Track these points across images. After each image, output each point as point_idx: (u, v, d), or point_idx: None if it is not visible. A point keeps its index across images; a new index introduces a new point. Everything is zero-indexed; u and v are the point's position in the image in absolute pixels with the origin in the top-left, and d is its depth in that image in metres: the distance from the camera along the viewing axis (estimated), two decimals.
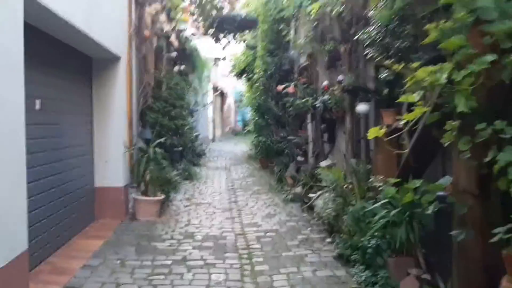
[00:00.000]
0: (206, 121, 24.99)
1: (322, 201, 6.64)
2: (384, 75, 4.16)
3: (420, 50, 3.61)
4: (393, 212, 4.02)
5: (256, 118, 18.66)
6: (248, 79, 19.39)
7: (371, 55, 4.60)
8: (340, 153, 7.54)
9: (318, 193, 7.24)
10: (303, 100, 9.12)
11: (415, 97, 2.58)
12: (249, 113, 34.62)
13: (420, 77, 2.57)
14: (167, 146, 9.61)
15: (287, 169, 11.02)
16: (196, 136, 15.95)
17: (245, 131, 35.01)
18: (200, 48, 20.23)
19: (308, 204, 7.48)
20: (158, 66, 9.49)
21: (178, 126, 9.26)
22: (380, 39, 3.99)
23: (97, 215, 7.23)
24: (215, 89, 29.82)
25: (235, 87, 35.33)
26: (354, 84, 6.05)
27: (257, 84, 13.80)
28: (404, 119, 2.63)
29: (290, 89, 9.42)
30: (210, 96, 26.64)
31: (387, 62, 3.50)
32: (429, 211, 3.62)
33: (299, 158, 9.53)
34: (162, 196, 7.67)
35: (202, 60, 19.77)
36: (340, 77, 6.19)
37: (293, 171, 10.51)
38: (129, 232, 6.67)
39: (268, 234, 6.63)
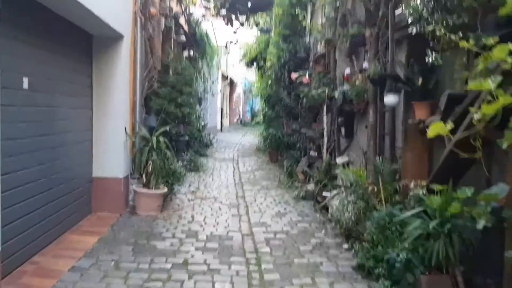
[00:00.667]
0: (214, 110, 24.40)
1: (339, 202, 6.04)
2: (431, 59, 3.50)
3: (483, 27, 2.97)
4: (433, 224, 3.40)
5: (266, 109, 18.10)
6: (259, 68, 18.71)
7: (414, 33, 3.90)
8: (359, 150, 6.92)
9: (334, 192, 6.64)
10: (319, 91, 8.48)
11: (490, 84, 1.95)
12: (258, 104, 34.11)
13: (497, 57, 1.95)
14: (173, 135, 9.04)
15: (298, 164, 10.42)
16: (204, 126, 15.37)
17: (254, 122, 34.48)
18: (211, 34, 19.65)
19: (322, 204, 6.89)
20: (165, 49, 8.89)
21: (185, 114, 8.67)
22: (428, 15, 3.35)
23: (94, 207, 6.68)
24: (225, 77, 29.17)
25: (245, 76, 34.76)
26: (381, 72, 5.41)
27: (269, 72, 13.12)
28: (481, 113, 1.99)
29: (305, 79, 8.79)
30: (219, 85, 26.02)
31: (444, 37, 2.86)
32: (480, 226, 3.00)
33: (312, 153, 8.92)
34: (165, 189, 7.10)
35: (212, 46, 19.16)
36: (364, 65, 5.55)
37: (304, 166, 9.90)
38: (127, 228, 6.11)
39: (278, 236, 6.04)
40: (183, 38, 11.49)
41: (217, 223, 6.60)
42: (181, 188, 8.61)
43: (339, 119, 7.61)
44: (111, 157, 6.69)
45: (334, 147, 8.21)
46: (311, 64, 9.96)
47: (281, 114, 14.63)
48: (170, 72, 8.50)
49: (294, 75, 9.28)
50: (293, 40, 10.76)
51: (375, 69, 5.43)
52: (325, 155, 8.45)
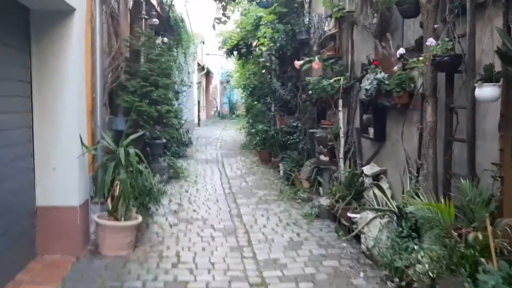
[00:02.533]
0: (191, 103, 22.46)
1: (386, 236, 4.36)
2: None
3: None
4: None
5: (249, 101, 16.30)
6: (241, 56, 16.87)
7: None
8: (396, 158, 5.23)
9: (367, 215, 4.96)
10: (331, 81, 6.75)
11: None
12: (237, 95, 32.27)
13: None
14: (147, 138, 7.19)
15: (299, 168, 8.70)
16: (182, 123, 13.49)
17: (234, 115, 32.63)
18: (186, 20, 17.69)
19: (353, 233, 5.18)
20: (134, 31, 7.00)
21: (162, 113, 6.79)
22: None
23: (40, 249, 4.80)
24: (201, 68, 27.19)
25: (221, 66, 32.80)
26: (451, 53, 3.69)
27: (262, 59, 11.31)
28: None
29: (315, 65, 7.02)
30: (195, 76, 24.06)
31: None
32: None
33: (323, 158, 7.20)
34: (138, 219, 5.27)
35: (188, 32, 17.21)
36: (430, 41, 3.81)
37: (310, 171, 8.18)
38: (86, 281, 4.28)
39: (302, 286, 4.30)
40: (155, 20, 9.58)
41: (213, 265, 4.82)
42: (160, 208, 6.78)
43: (366, 117, 5.89)
44: (61, 178, 4.81)
45: (354, 151, 6.51)
46: (314, 48, 8.18)
47: (271, 107, 12.90)
48: (141, 59, 6.63)
49: (298, 63, 7.50)
50: (290, 20, 8.95)
51: (444, 46, 3.69)
52: (341, 162, 6.72)
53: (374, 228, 4.77)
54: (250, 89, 15.86)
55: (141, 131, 6.39)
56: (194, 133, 20.91)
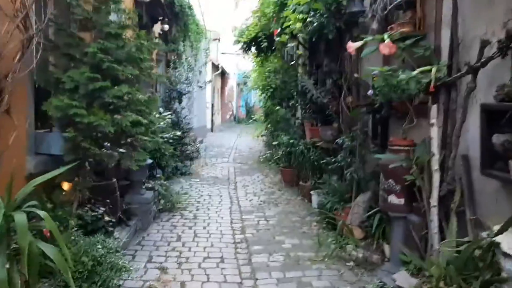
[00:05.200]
0: (203, 106, 19.81)
1: None
2: None
3: None
4: None
5: (269, 105, 13.55)
6: (260, 52, 14.13)
7: None
8: None
9: None
10: (416, 72, 3.98)
11: None
12: (255, 97, 29.48)
13: None
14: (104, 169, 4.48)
15: (344, 205, 5.91)
16: (186, 131, 10.81)
17: (250, 120, 29.90)
18: (198, 11, 15.06)
19: None
20: None
21: (125, 128, 3.91)
22: None
23: None
24: (215, 67, 24.53)
25: (238, 67, 30.08)
26: None
27: (289, 46, 8.52)
28: None
29: (385, 48, 4.20)
30: (208, 76, 21.42)
31: None
32: None
33: (393, 199, 4.41)
34: None
35: (198, 24, 14.55)
36: None
37: (363, 213, 5.39)
38: None
39: None
40: None
41: None
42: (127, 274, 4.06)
43: (498, 138, 3.07)
44: None
45: (461, 198, 3.69)
46: (373, 26, 5.35)
47: (296, 113, 10.16)
48: (92, 35, 3.94)
49: (353, 45, 4.65)
50: None
51: None
52: (434, 214, 3.90)
53: None
54: (270, 90, 13.10)
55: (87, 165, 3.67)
56: (206, 140, 18.31)
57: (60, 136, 3.75)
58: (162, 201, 6.94)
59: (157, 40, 9.91)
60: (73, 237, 3.53)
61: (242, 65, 26.66)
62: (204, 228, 6.25)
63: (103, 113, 3.65)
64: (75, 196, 3.91)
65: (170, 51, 11.52)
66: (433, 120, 3.91)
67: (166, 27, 10.63)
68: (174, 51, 11.72)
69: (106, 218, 4.32)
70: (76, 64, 3.80)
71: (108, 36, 3.77)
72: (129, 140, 3.99)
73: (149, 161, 6.21)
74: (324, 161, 6.75)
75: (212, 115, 24.25)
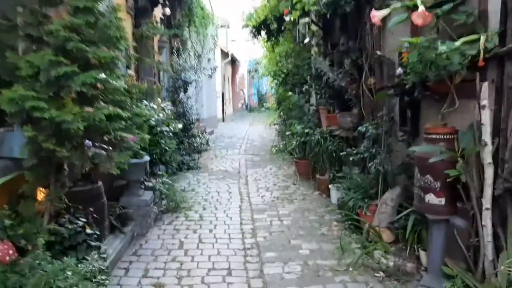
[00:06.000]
0: (213, 96, 19.10)
1: None
2: None
3: None
4: None
5: (281, 91, 12.77)
6: (270, 35, 13.32)
7: None
8: None
9: None
10: (459, 43, 3.20)
11: None
12: (267, 85, 28.61)
13: None
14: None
15: (369, 201, 5.15)
16: (191, 123, 10.11)
17: (262, 108, 29.10)
18: None
19: None
20: None
21: (99, 124, 3.18)
22: None
23: None
24: (225, 55, 23.73)
25: (249, 54, 29.17)
26: None
27: (302, 21, 7.71)
28: None
29: (419, 18, 3.37)
30: (218, 64, 20.66)
31: None
32: None
33: (431, 198, 3.64)
34: None
35: (202, 7, 13.76)
36: None
37: (392, 212, 4.63)
38: None
39: None
40: None
41: None
42: None
43: None
44: None
45: None
46: None
47: (310, 99, 9.40)
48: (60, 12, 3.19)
49: (377, 14, 3.83)
50: None
51: None
52: (488, 218, 3.14)
53: None
54: (282, 75, 12.31)
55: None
56: (216, 131, 17.61)
57: (21, 133, 3.06)
58: (164, 201, 6.24)
59: (158, 25, 9.23)
60: (38, 261, 2.84)
61: (253, 51, 25.79)
62: (211, 231, 5.55)
63: (73, 106, 2.93)
64: (45, 207, 3.22)
65: (173, 36, 10.78)
66: (484, 101, 3.11)
67: (168, 11, 9.88)
68: (177, 36, 10.97)
69: (88, 230, 3.63)
70: (40, 46, 3.08)
71: (76, 11, 3.04)
72: (106, 138, 3.28)
73: (147, 158, 5.53)
74: (344, 152, 5.96)
75: (223, 104, 23.53)
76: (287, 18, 8.71)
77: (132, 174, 5.32)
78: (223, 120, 22.77)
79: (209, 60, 16.03)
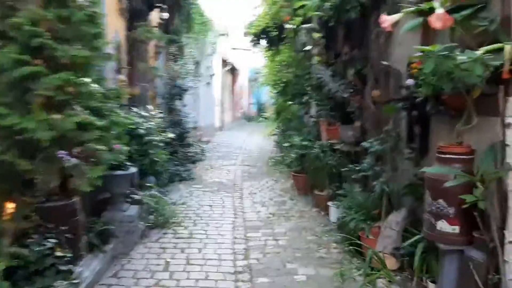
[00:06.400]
0: (211, 103, 18.75)
1: None
2: None
3: None
4: None
5: (280, 101, 12.41)
6: (271, 44, 13.00)
7: None
8: None
9: None
10: (481, 53, 2.82)
11: None
12: (266, 94, 28.23)
13: None
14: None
15: (370, 223, 4.75)
16: (186, 132, 9.75)
17: (262, 117, 28.73)
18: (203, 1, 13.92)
19: None
20: None
21: (67, 133, 2.77)
22: None
23: None
24: (225, 63, 23.41)
25: (249, 63, 28.78)
26: None
27: (305, 27, 7.33)
28: None
29: (438, 21, 3.01)
30: (217, 72, 20.33)
31: None
32: None
33: (443, 226, 3.25)
34: None
35: (201, 13, 13.45)
36: None
37: (397, 238, 4.24)
38: None
39: None
40: None
41: None
42: None
43: None
44: None
45: None
46: None
47: (309, 110, 9.06)
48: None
49: (388, 19, 3.47)
50: None
51: None
52: (507, 250, 2.75)
53: None
54: (281, 85, 11.98)
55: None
56: (214, 140, 17.23)
57: None
58: (152, 216, 5.83)
59: (155, 30, 8.88)
60: None
61: (253, 61, 25.47)
62: (200, 251, 5.14)
63: (40, 113, 2.54)
64: (8, 226, 2.82)
65: (171, 42, 10.44)
66: (510, 119, 2.73)
67: (166, 15, 9.54)
68: (175, 42, 10.63)
69: (59, 253, 3.23)
70: (5, 43, 2.71)
71: (47, 3, 2.67)
72: (75, 150, 2.89)
73: (133, 169, 5.13)
74: (346, 169, 5.55)
75: (222, 113, 23.15)
76: (288, 26, 8.38)
77: (116, 187, 4.94)
78: (221, 129, 22.40)
79: (208, 67, 15.70)
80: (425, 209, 3.47)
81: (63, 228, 3.43)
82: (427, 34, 4.27)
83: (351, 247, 4.80)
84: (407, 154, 4.58)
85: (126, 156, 5.14)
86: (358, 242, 4.69)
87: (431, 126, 4.26)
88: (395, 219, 4.37)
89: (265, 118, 26.66)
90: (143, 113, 5.67)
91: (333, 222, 6.01)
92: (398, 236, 4.27)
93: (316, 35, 6.89)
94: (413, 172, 4.38)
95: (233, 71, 28.00)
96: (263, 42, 13.47)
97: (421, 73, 3.31)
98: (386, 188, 4.55)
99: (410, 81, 3.71)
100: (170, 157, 9.04)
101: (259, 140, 17.43)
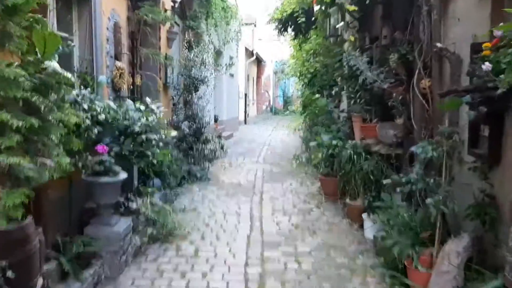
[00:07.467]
0: (234, 96, 17.82)
1: None
2: None
3: None
4: None
5: (307, 93, 11.34)
6: (297, 32, 11.97)
7: None
8: None
9: None
10: None
11: None
12: (292, 86, 27.13)
13: None
14: None
15: (419, 249, 3.69)
16: (202, 127, 8.82)
17: (288, 111, 27.70)
18: None
19: None
20: None
21: (18, 130, 1.93)
22: None
23: None
24: (250, 53, 22.42)
25: (276, 54, 27.65)
26: None
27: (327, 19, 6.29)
28: None
29: None
30: (241, 63, 19.38)
31: None
32: None
33: None
34: None
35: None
36: None
37: (459, 276, 3.18)
38: None
39: None
40: None
41: None
42: None
43: None
44: None
45: None
46: None
47: (340, 104, 8.04)
48: None
49: None
50: None
51: None
52: None
53: None
54: (308, 76, 10.94)
55: None
56: (237, 134, 16.32)
57: None
58: (151, 229, 4.91)
59: (168, 13, 7.96)
60: None
61: (280, 52, 24.38)
62: (204, 276, 4.19)
63: None
64: None
65: (188, 28, 9.51)
66: None
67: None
68: (192, 29, 9.69)
69: None
70: None
71: None
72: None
73: (123, 175, 4.20)
74: (388, 180, 4.46)
75: (246, 105, 22.19)
76: (316, 8, 7.32)
77: (101, 197, 4.03)
78: (245, 123, 21.46)
79: (231, 58, 14.74)
80: (508, 244, 2.43)
81: (5, 263, 2.51)
82: (501, 4, 3.21)
83: (394, 280, 3.77)
84: (470, 162, 3.51)
85: (117, 158, 4.25)
86: (404, 273, 3.65)
87: (505, 127, 3.18)
88: (455, 249, 3.31)
89: (292, 111, 25.62)
90: (141, 106, 4.75)
91: (369, 239, 4.99)
92: (459, 272, 3.23)
93: (348, 17, 5.82)
94: (479, 187, 3.31)
95: (258, 62, 27.01)
96: (289, 30, 12.48)
97: (506, 54, 2.26)
98: (445, 209, 3.48)
99: (486, 66, 2.64)
100: (184, 156, 8.16)
101: (284, 136, 16.41)
